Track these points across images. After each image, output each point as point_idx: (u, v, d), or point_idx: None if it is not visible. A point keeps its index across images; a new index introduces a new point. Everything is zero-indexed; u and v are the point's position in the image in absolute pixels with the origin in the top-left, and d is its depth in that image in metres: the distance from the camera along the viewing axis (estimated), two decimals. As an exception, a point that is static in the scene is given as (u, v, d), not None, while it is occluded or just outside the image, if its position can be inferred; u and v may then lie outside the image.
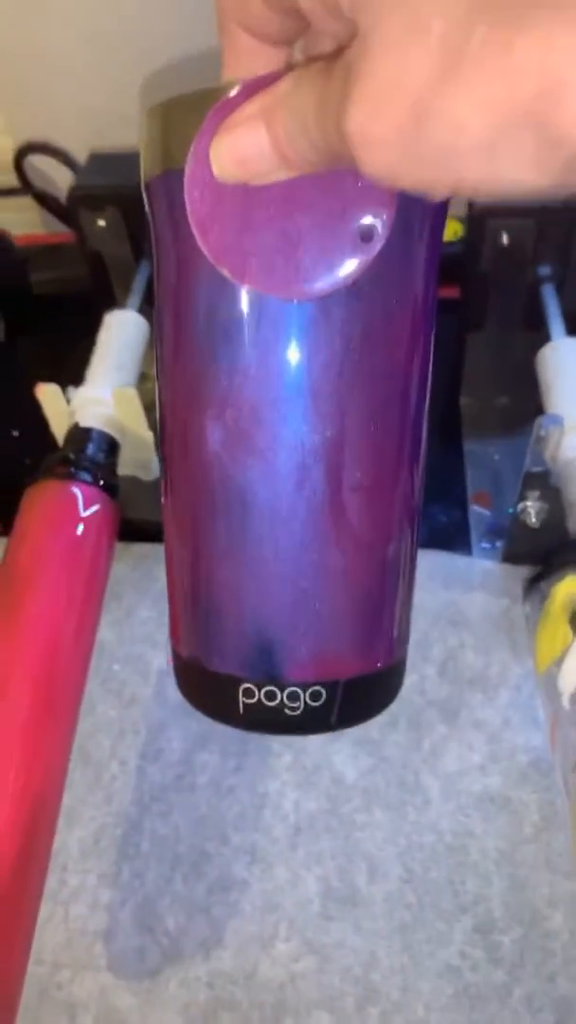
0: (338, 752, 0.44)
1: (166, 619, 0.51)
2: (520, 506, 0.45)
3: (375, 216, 0.21)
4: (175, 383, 0.25)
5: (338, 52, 0.17)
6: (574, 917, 0.38)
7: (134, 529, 0.48)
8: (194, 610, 0.27)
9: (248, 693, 0.26)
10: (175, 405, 0.26)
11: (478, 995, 0.37)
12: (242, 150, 0.19)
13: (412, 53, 0.15)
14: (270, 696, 0.26)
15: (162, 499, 0.28)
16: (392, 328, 0.24)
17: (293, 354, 0.23)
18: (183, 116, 0.21)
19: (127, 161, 0.57)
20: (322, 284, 0.21)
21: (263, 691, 0.26)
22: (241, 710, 0.26)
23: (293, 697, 0.26)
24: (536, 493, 0.45)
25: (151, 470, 0.47)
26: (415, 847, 0.41)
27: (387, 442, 0.25)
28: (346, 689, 0.26)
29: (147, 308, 0.50)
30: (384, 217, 0.21)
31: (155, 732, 0.46)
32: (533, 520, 0.45)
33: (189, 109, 0.21)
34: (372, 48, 0.16)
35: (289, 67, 0.19)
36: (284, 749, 0.45)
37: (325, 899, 0.40)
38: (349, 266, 0.21)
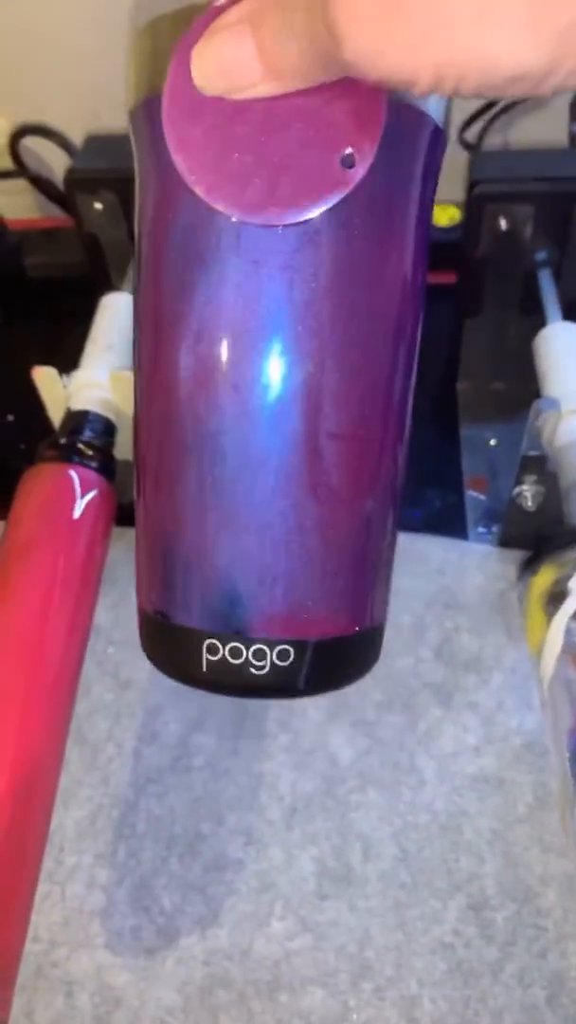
0: (334, 733, 0.45)
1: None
2: (517, 490, 0.46)
3: (359, 142, 0.20)
4: (149, 317, 0.24)
5: None
6: (566, 895, 0.39)
7: (130, 513, 0.48)
8: (160, 559, 0.26)
9: (212, 649, 0.25)
10: (147, 338, 0.24)
11: (471, 971, 0.37)
12: (226, 58, 0.18)
13: None
14: (235, 653, 0.25)
15: (133, 442, 0.26)
16: (380, 265, 0.23)
17: (271, 285, 0.22)
18: (168, 34, 0.20)
19: (124, 144, 0.57)
20: (300, 210, 0.20)
21: (227, 647, 0.25)
22: (204, 668, 0.25)
23: (259, 655, 0.25)
24: (533, 477, 0.45)
25: (147, 453, 0.47)
26: (409, 827, 0.41)
27: (371, 387, 0.24)
28: (316, 651, 0.25)
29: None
30: (368, 144, 0.20)
31: (151, 715, 0.46)
32: (529, 504, 0.45)
33: (175, 25, 0.20)
34: None
35: None
36: (280, 730, 0.45)
37: (320, 878, 0.40)
38: (329, 193, 0.20)
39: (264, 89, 0.18)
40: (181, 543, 0.25)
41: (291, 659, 0.25)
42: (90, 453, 0.41)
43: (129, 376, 0.43)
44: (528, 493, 0.45)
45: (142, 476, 0.26)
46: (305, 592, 0.25)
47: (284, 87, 0.18)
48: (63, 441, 0.42)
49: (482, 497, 0.55)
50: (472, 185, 0.50)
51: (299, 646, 0.25)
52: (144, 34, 0.22)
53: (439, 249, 0.63)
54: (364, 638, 0.27)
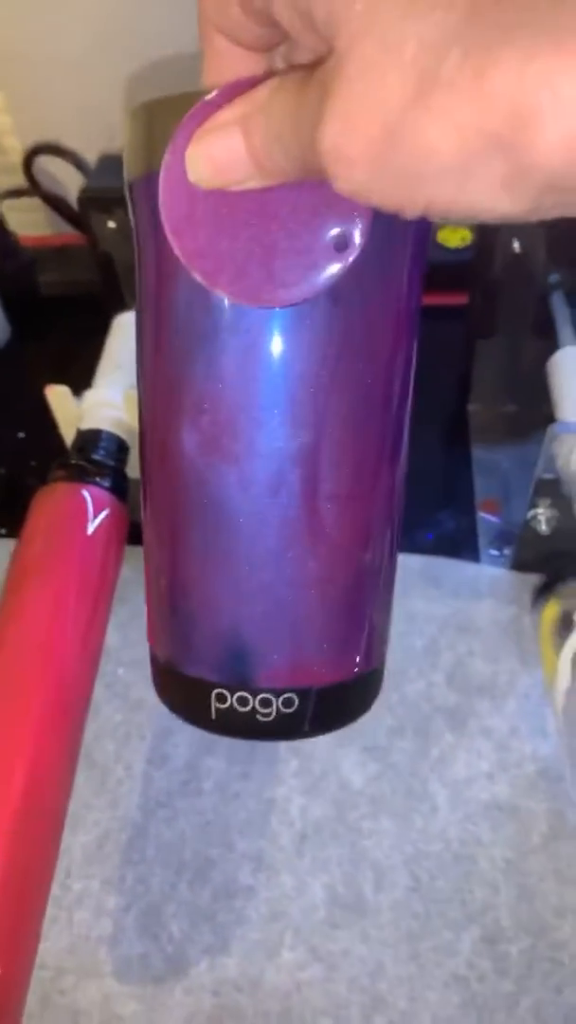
0: (345, 758, 0.44)
1: (172, 623, 0.51)
2: (531, 513, 0.45)
3: (351, 225, 0.20)
4: (153, 387, 0.25)
5: (316, 63, 0.17)
6: (583, 928, 0.38)
7: (140, 532, 0.48)
8: (169, 614, 0.27)
9: (220, 698, 0.26)
10: (153, 409, 0.26)
11: (485, 1005, 0.37)
12: (218, 156, 0.19)
13: (386, 75, 0.15)
14: (242, 702, 0.26)
15: (141, 500, 0.28)
16: (372, 337, 0.24)
17: (269, 362, 0.23)
18: (163, 118, 0.21)
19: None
20: (295, 292, 0.21)
21: (235, 696, 0.26)
22: (213, 715, 0.26)
23: (265, 703, 0.26)
24: (548, 501, 0.44)
25: (160, 473, 0.47)
26: (422, 855, 0.41)
27: (366, 451, 0.25)
28: (320, 696, 0.26)
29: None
30: (360, 227, 0.20)
31: (161, 737, 0.45)
32: (544, 528, 0.45)
33: (169, 111, 0.21)
34: (347, 67, 0.16)
35: (268, 74, 0.19)
36: (291, 755, 0.44)
37: (331, 907, 0.40)
38: (323, 275, 0.21)
39: (256, 183, 0.19)
40: (188, 600, 0.26)
41: (295, 705, 0.26)
42: (103, 472, 0.41)
43: (143, 396, 0.43)
44: (543, 517, 0.45)
45: (148, 534, 0.28)
46: (307, 644, 0.26)
47: (275, 182, 0.19)
48: (76, 460, 0.41)
49: (494, 519, 0.55)
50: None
51: (303, 693, 0.26)
52: (140, 113, 0.22)
53: (450, 270, 0.63)
54: (364, 680, 0.28)
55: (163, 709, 0.46)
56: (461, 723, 0.45)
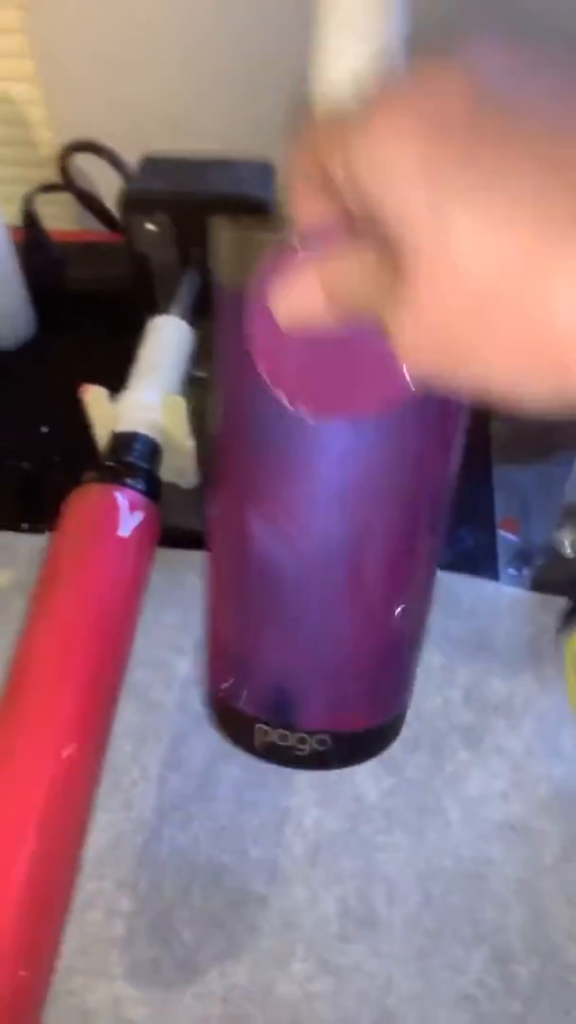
0: (360, 771, 0.44)
1: (192, 625, 0.51)
2: (556, 536, 0.46)
3: None
4: (225, 469, 0.30)
5: (392, 243, 0.18)
6: (594, 952, 0.38)
7: (166, 535, 0.48)
8: (227, 661, 0.33)
9: (263, 732, 0.32)
10: (223, 486, 0.30)
11: (494, 1025, 0.37)
12: (302, 311, 0.21)
13: (451, 298, 0.17)
14: (283, 737, 0.32)
15: (207, 557, 0.33)
16: (426, 450, 0.27)
17: (331, 465, 0.27)
18: (253, 244, 0.24)
19: (180, 167, 0.57)
20: (366, 414, 0.24)
21: (276, 732, 0.32)
22: (256, 744, 0.32)
23: (302, 741, 0.31)
24: (573, 523, 0.45)
25: (189, 477, 0.47)
26: (435, 871, 0.41)
27: (411, 541, 0.29)
28: (350, 738, 0.32)
29: (192, 316, 0.51)
30: None
31: (177, 740, 0.45)
32: (568, 551, 0.45)
33: (254, 241, 0.24)
34: (418, 280, 0.17)
35: (348, 228, 0.21)
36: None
37: (343, 920, 0.40)
38: (392, 401, 0.23)
39: (336, 331, 0.22)
40: (244, 650, 0.32)
41: (328, 745, 0.31)
42: (137, 474, 0.41)
43: (179, 401, 0.43)
44: (567, 540, 0.46)
45: (213, 591, 0.33)
46: (343, 697, 0.31)
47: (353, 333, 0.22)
48: (110, 462, 0.41)
49: (514, 538, 0.55)
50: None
51: (335, 736, 0.31)
52: (226, 235, 0.25)
53: None
54: (391, 723, 0.33)
55: (180, 712, 0.47)
56: (476, 741, 0.45)
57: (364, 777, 0.44)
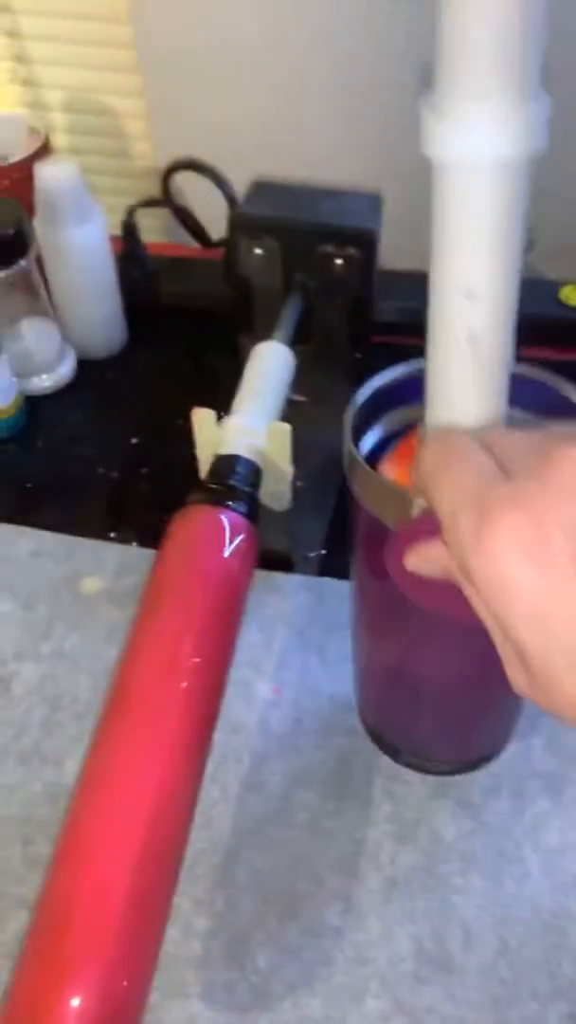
0: (439, 810, 0.44)
1: (273, 646, 0.52)
2: None
3: None
4: (367, 635, 0.42)
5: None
6: None
7: (265, 557, 0.48)
8: (383, 718, 0.47)
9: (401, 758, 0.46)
10: (369, 641, 0.42)
11: None
12: (430, 572, 0.26)
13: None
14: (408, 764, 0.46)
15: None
16: None
17: (448, 639, 0.36)
18: (387, 495, 0.30)
19: (289, 193, 0.58)
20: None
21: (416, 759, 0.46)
22: (399, 760, 0.46)
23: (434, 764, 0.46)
24: None
25: (284, 501, 0.48)
26: (512, 920, 0.41)
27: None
28: (474, 762, 0.46)
29: (294, 345, 0.51)
30: None
31: (258, 762, 0.46)
32: None
33: (392, 493, 0.30)
34: (543, 690, 0.21)
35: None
36: (384, 798, 0.45)
37: (418, 959, 0.40)
38: None
39: None
40: (395, 716, 0.46)
41: (454, 765, 0.46)
42: (239, 497, 0.42)
43: (284, 428, 0.44)
44: None
45: (371, 675, 0.46)
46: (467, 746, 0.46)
47: None
48: (216, 485, 0.42)
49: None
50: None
51: (460, 762, 0.46)
52: (368, 480, 0.31)
53: (564, 328, 0.65)
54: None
55: (261, 734, 0.47)
56: (558, 790, 0.45)
57: (442, 816, 0.44)
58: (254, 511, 0.43)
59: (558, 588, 0.19)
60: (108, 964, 0.29)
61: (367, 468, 0.31)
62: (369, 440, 0.34)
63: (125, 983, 0.29)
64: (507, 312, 0.25)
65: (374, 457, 0.34)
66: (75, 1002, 0.27)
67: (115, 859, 0.31)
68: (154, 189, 0.77)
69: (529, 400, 0.33)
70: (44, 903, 0.30)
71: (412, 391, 0.31)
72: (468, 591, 0.23)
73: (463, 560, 0.21)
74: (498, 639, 0.23)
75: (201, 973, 0.39)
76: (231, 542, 0.40)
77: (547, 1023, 0.38)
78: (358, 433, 0.33)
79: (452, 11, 0.20)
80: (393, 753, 0.46)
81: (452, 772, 0.45)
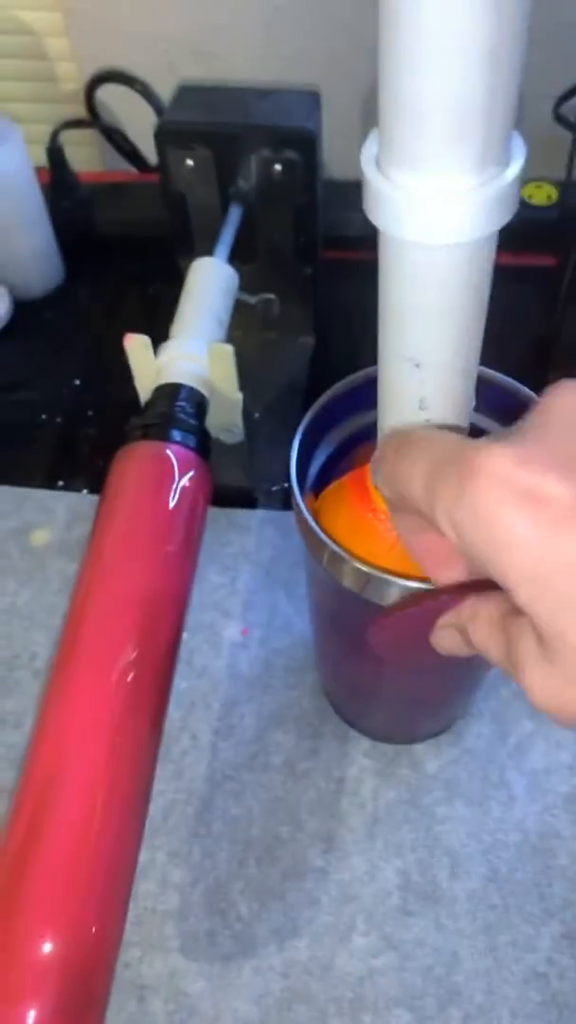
0: (419, 740, 0.42)
1: (237, 586, 0.49)
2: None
3: None
4: (324, 638, 0.39)
5: (514, 609, 0.19)
6: None
7: (221, 493, 0.45)
8: (344, 698, 0.43)
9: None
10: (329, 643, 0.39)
11: (566, 1004, 0.35)
12: (445, 647, 0.23)
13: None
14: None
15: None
16: None
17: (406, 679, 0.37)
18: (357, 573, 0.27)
19: (219, 97, 0.53)
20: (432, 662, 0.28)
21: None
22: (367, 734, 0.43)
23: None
24: None
25: (236, 433, 0.45)
26: (500, 845, 0.39)
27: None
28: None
29: (239, 265, 0.47)
30: None
31: (227, 707, 0.44)
32: None
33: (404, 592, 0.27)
34: (561, 666, 0.17)
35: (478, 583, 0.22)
36: (361, 735, 0.43)
37: (405, 893, 0.38)
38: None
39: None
40: (354, 699, 0.43)
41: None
42: (187, 430, 0.39)
43: (227, 350, 0.40)
44: None
45: (332, 668, 0.42)
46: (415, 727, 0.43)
47: None
48: (157, 418, 0.39)
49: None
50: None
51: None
52: (364, 570, 0.27)
53: (534, 229, 0.60)
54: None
55: (230, 678, 0.45)
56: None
57: (423, 747, 0.42)
58: (203, 444, 0.40)
59: (557, 537, 0.16)
60: (76, 910, 0.27)
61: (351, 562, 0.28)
62: (321, 455, 0.33)
63: (94, 929, 0.27)
64: (463, 378, 0.22)
65: (325, 473, 0.33)
66: (46, 948, 0.26)
67: (78, 804, 0.29)
68: (83, 114, 0.71)
69: (490, 404, 0.31)
70: (9, 853, 0.28)
71: (363, 400, 0.30)
72: (460, 568, 0.21)
73: (451, 517, 0.18)
74: (499, 638, 0.20)
75: (181, 925, 0.38)
76: (181, 478, 0.37)
77: (540, 945, 0.37)
78: (303, 465, 0.31)
79: (399, 63, 0.15)
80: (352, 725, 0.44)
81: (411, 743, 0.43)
